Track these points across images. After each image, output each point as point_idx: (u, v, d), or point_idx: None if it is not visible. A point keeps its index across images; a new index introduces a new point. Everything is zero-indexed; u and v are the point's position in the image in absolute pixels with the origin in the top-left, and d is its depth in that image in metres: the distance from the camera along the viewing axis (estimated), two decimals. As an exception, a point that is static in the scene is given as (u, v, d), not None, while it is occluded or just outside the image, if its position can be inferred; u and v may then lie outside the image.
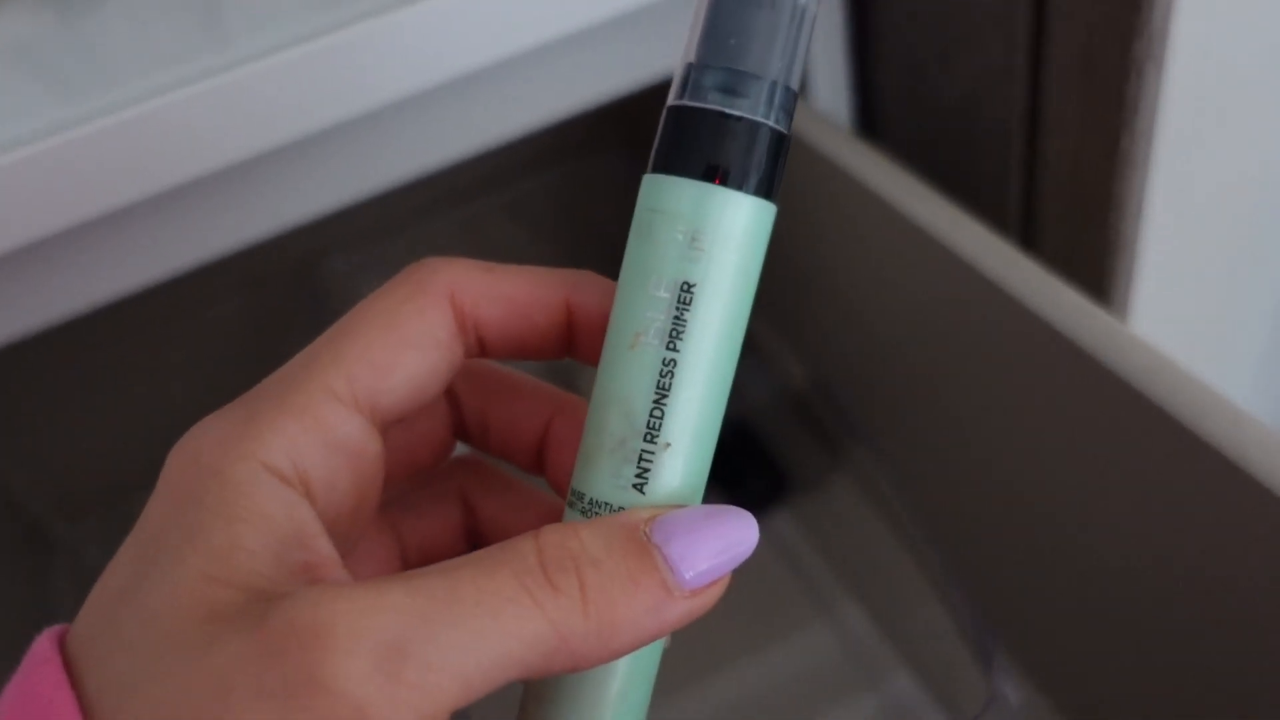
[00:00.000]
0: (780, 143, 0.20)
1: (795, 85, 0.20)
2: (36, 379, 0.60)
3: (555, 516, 0.22)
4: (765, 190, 0.20)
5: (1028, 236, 0.42)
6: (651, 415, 0.19)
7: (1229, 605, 0.33)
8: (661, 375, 0.19)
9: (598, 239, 0.67)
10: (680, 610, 0.18)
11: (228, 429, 0.19)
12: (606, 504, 0.19)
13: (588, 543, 0.18)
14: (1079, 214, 0.38)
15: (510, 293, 0.21)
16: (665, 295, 0.19)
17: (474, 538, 0.25)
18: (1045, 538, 0.40)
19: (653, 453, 0.19)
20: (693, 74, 0.20)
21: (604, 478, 0.20)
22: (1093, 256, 0.38)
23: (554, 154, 0.65)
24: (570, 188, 0.66)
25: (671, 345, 0.19)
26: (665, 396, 0.19)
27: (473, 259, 0.21)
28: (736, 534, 0.19)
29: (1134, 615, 0.37)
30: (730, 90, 0.20)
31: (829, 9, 0.46)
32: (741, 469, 0.55)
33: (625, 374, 0.19)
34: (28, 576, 0.61)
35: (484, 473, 0.25)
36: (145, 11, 0.37)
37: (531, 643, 0.17)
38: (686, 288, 0.19)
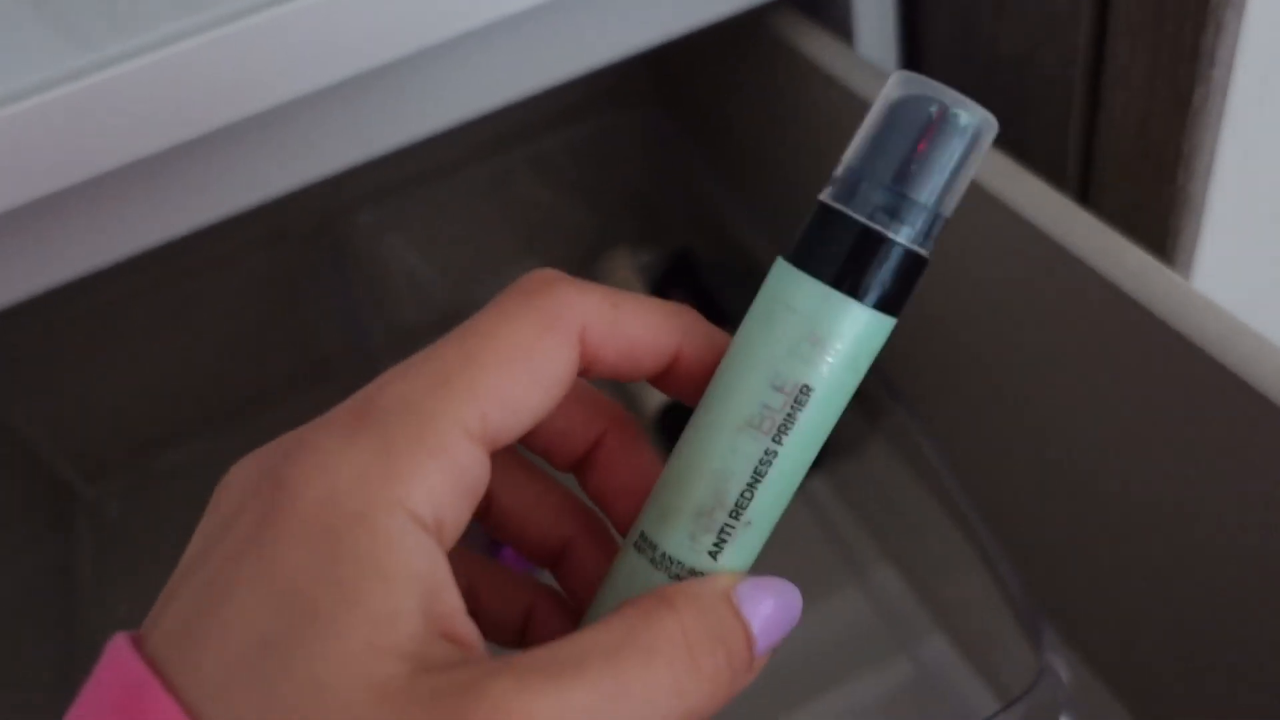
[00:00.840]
0: (921, 267, 0.20)
1: (949, 210, 0.20)
2: (58, 336, 0.59)
3: (569, 513, 0.24)
4: (895, 309, 0.20)
5: (1085, 193, 0.40)
6: (743, 495, 0.20)
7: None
8: (761, 463, 0.20)
9: (624, 195, 0.66)
10: (752, 676, 0.20)
11: (364, 464, 0.18)
12: (679, 561, 0.21)
13: (716, 621, 0.19)
14: (1144, 170, 0.36)
15: (633, 336, 0.21)
16: (783, 394, 0.20)
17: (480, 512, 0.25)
18: (1097, 507, 0.39)
19: (734, 528, 0.20)
20: (855, 180, 0.20)
21: (682, 538, 0.21)
22: (1157, 214, 0.36)
23: (581, 109, 0.64)
24: (597, 143, 0.65)
25: (778, 439, 0.20)
26: (759, 481, 0.20)
27: (601, 288, 0.21)
28: (794, 604, 0.21)
29: (1190, 592, 0.36)
30: (893, 212, 0.20)
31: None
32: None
33: (727, 453, 0.20)
34: (50, 533, 0.61)
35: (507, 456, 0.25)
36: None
37: None
38: (805, 390, 0.20)
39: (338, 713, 0.16)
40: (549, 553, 0.24)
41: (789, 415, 0.20)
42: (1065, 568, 0.43)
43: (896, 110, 0.20)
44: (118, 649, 0.18)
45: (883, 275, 0.20)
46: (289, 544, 0.18)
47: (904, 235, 0.20)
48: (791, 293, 0.20)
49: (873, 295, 0.20)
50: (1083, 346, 0.36)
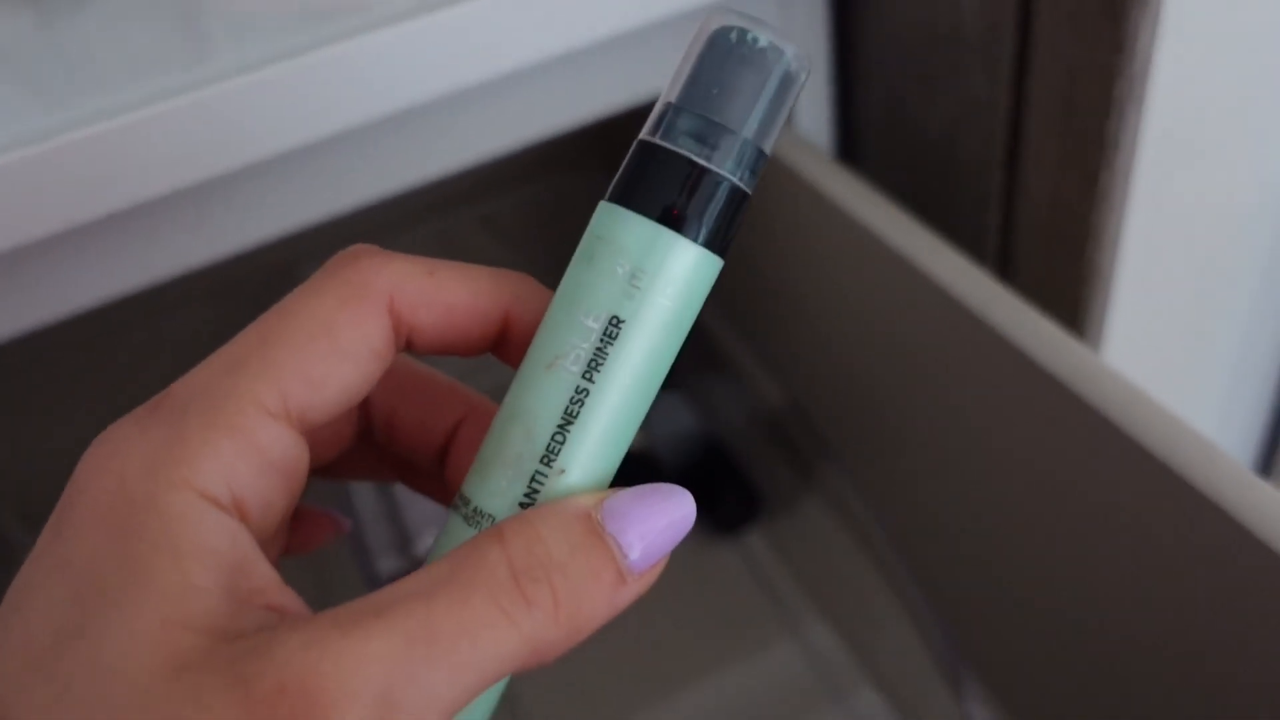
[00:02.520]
0: (741, 201, 0.20)
1: (768, 149, 0.20)
2: None
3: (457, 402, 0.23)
4: (717, 245, 0.20)
5: (1004, 267, 0.43)
6: (553, 439, 0.19)
7: (1197, 634, 0.34)
8: (572, 402, 0.19)
9: (570, 256, 0.67)
10: (632, 593, 0.19)
11: (153, 449, 0.18)
12: (490, 516, 0.20)
13: (551, 546, 0.18)
14: (1056, 247, 0.39)
15: (451, 300, 0.20)
16: (593, 325, 0.19)
17: (369, 418, 0.24)
18: (1014, 563, 0.41)
19: (546, 476, 0.19)
20: (670, 114, 0.20)
21: (492, 488, 0.20)
22: (1068, 288, 0.39)
23: (533, 170, 0.65)
24: (548, 205, 0.66)
25: (589, 375, 0.19)
26: (571, 424, 0.19)
27: (412, 255, 0.20)
28: (678, 512, 0.19)
29: (1103, 642, 0.38)
30: (702, 139, 0.20)
31: (813, 32, 0.46)
32: (716, 488, 0.55)
33: (537, 393, 0.19)
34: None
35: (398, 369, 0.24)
36: (124, 19, 0.37)
37: (509, 658, 0.17)
38: (615, 322, 0.19)
39: (129, 692, 0.16)
40: (440, 458, 0.23)
41: (599, 349, 0.19)
42: (989, 620, 0.45)
43: (708, 45, 0.20)
44: None
45: (695, 206, 0.19)
46: (81, 533, 0.17)
47: (714, 160, 0.19)
48: (605, 226, 0.20)
49: (688, 226, 0.19)
50: (998, 412, 0.38)
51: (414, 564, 0.51)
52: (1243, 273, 0.45)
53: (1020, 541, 0.40)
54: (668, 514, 0.19)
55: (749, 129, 0.20)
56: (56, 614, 0.17)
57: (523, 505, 0.19)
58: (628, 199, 0.20)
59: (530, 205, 0.66)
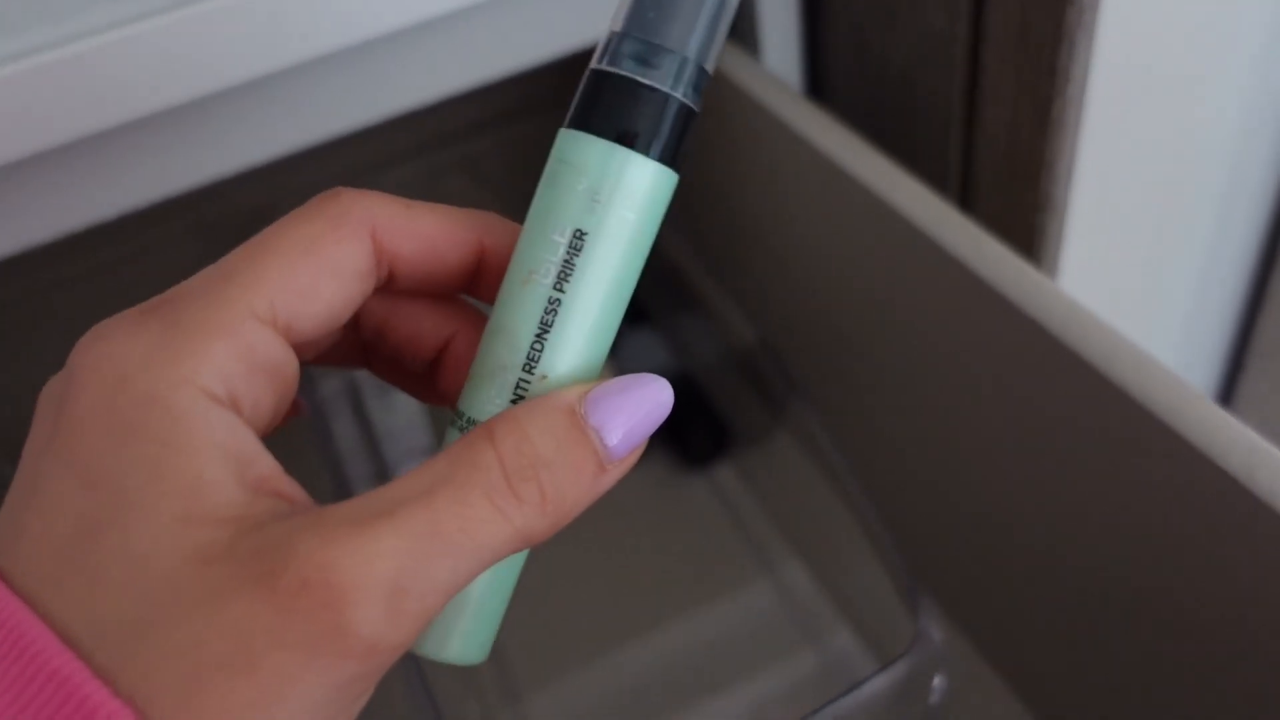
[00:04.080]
0: (687, 116, 0.21)
1: (709, 66, 0.22)
2: (-18, 322, 0.59)
3: (448, 314, 0.24)
4: (668, 158, 0.21)
5: (965, 197, 0.43)
6: (532, 348, 0.21)
7: (1153, 558, 0.34)
8: (546, 312, 0.21)
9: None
10: (611, 479, 0.20)
11: (151, 347, 0.19)
12: (481, 421, 0.21)
13: (539, 444, 0.19)
14: (1013, 176, 0.39)
15: (427, 231, 0.22)
16: (560, 240, 0.21)
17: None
18: (970, 487, 0.42)
19: (529, 382, 0.21)
20: (614, 41, 0.21)
21: (483, 400, 0.21)
22: (1026, 218, 0.40)
23: (514, 112, 0.65)
24: (529, 146, 0.66)
25: (559, 286, 0.21)
26: (547, 332, 0.21)
27: (389, 194, 0.22)
28: (656, 399, 0.21)
29: (1051, 562, 0.39)
30: (644, 61, 0.21)
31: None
32: (686, 423, 0.56)
33: (515, 307, 0.21)
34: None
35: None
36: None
37: (502, 548, 0.19)
38: (579, 235, 0.21)
39: (160, 582, 0.17)
40: (435, 369, 0.25)
41: (567, 260, 0.21)
42: (948, 545, 0.46)
43: None
44: None
45: (643, 123, 0.21)
46: (86, 430, 0.18)
47: (655, 79, 0.21)
48: (564, 150, 0.21)
49: (638, 143, 0.21)
50: (956, 338, 0.39)
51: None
52: (1201, 204, 0.46)
53: (979, 467, 0.41)
54: (646, 402, 0.21)
55: (688, 49, 0.21)
56: (74, 509, 0.18)
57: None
58: (582, 123, 0.21)
59: (511, 146, 0.66)
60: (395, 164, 0.64)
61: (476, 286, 0.23)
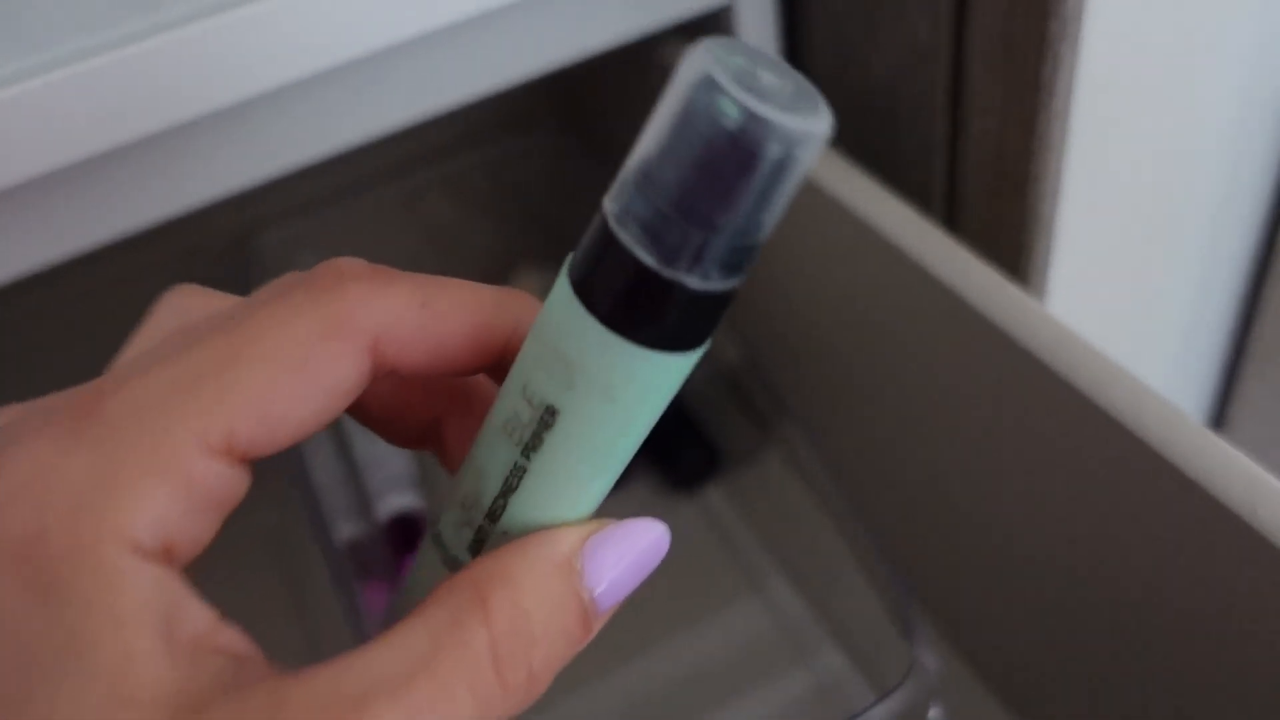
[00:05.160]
0: (710, 301, 0.16)
1: (757, 237, 0.16)
2: (-42, 354, 0.59)
3: (435, 393, 0.21)
4: (678, 346, 0.17)
5: (951, 214, 0.43)
6: (495, 502, 0.18)
7: (1145, 580, 0.34)
8: (512, 474, 0.18)
9: (533, 213, 0.67)
10: (590, 638, 0.19)
11: (79, 486, 0.16)
12: (448, 549, 0.19)
13: (534, 618, 0.17)
14: (1000, 193, 0.39)
15: (446, 333, 0.18)
16: (532, 407, 0.18)
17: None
18: (963, 511, 0.41)
19: (489, 532, 0.19)
20: (630, 192, 0.16)
21: (450, 526, 0.19)
22: (1013, 235, 0.39)
23: (491, 129, 0.65)
24: (507, 162, 0.66)
25: (526, 454, 0.18)
26: (511, 493, 0.18)
27: (401, 283, 0.18)
28: (654, 547, 0.19)
29: (1046, 586, 0.38)
30: (659, 232, 0.16)
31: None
32: (675, 445, 0.55)
33: (489, 450, 0.18)
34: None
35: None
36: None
37: None
38: (551, 413, 0.17)
39: None
40: (424, 433, 0.22)
41: (535, 433, 0.17)
42: (941, 569, 0.45)
43: (683, 105, 0.15)
44: None
45: (647, 308, 0.16)
46: (2, 591, 0.16)
47: (673, 268, 0.16)
48: (555, 304, 0.17)
49: (636, 331, 0.16)
50: (942, 361, 0.38)
51: (373, 529, 0.51)
52: (1192, 217, 0.45)
53: (965, 491, 0.40)
54: (643, 551, 0.19)
55: (720, 225, 0.15)
56: None
57: (469, 549, 0.19)
58: (577, 282, 0.17)
59: (490, 164, 0.66)
60: (375, 186, 0.64)
61: (498, 372, 0.19)
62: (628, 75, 0.54)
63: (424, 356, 0.18)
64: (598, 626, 0.19)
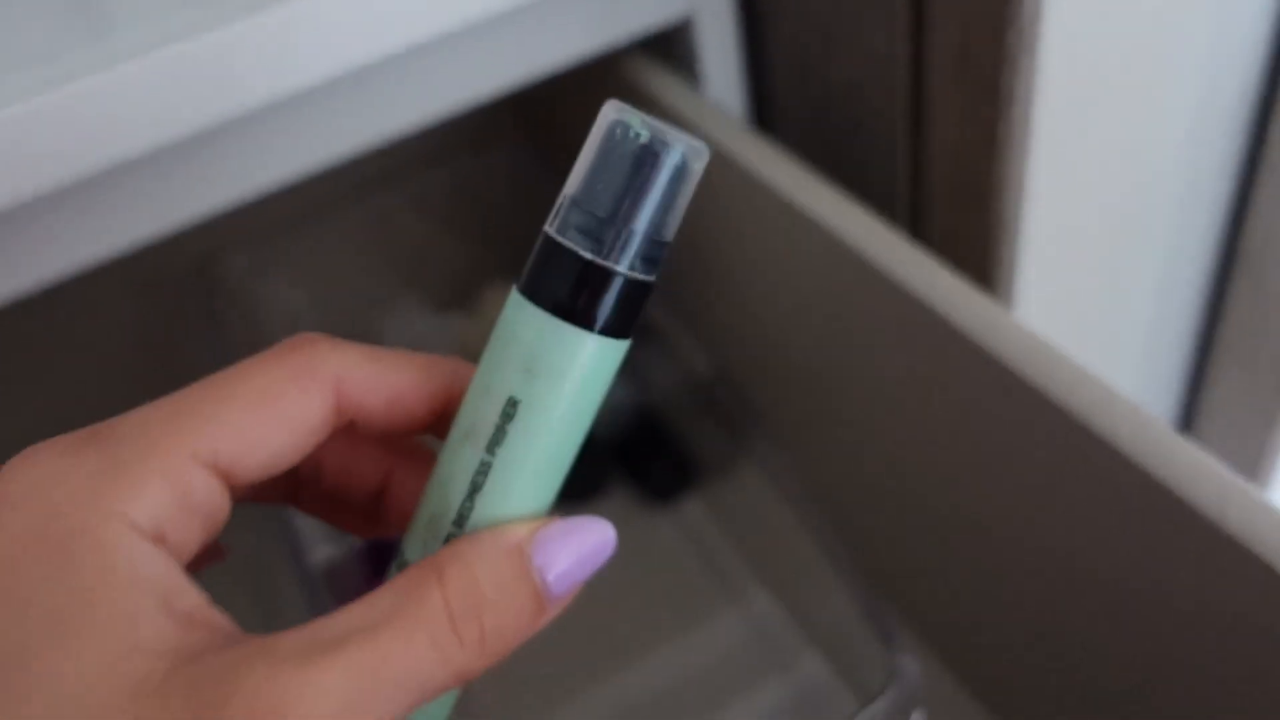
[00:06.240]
0: (635, 288, 0.21)
1: (667, 235, 0.21)
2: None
3: (383, 452, 0.24)
4: (612, 330, 0.21)
5: (916, 222, 0.43)
6: (463, 505, 0.21)
7: (1108, 578, 0.34)
8: (477, 474, 0.21)
9: (499, 230, 0.67)
10: (548, 618, 0.21)
11: (86, 480, 0.19)
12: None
13: (485, 586, 0.20)
14: (964, 202, 0.39)
15: (396, 385, 0.22)
16: (494, 405, 0.21)
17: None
18: (937, 516, 0.42)
19: (458, 536, 0.21)
20: (565, 207, 0.21)
21: (417, 546, 0.22)
22: (977, 242, 0.39)
23: (454, 147, 0.65)
24: (471, 180, 0.66)
25: (491, 449, 0.21)
26: (478, 492, 0.21)
27: (359, 345, 0.22)
28: (600, 540, 0.21)
29: (1022, 588, 0.39)
30: (590, 233, 0.21)
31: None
32: (649, 458, 0.55)
33: (452, 462, 0.21)
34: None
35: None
36: (21, 5, 0.36)
37: (438, 687, 0.19)
38: (512, 404, 0.21)
39: (95, 714, 0.17)
40: (370, 503, 0.25)
41: (500, 427, 0.21)
42: (917, 574, 0.46)
43: (602, 138, 0.21)
44: None
45: (586, 298, 0.21)
46: (17, 558, 0.18)
47: (600, 254, 0.21)
48: (509, 314, 0.21)
49: (580, 317, 0.21)
50: (909, 369, 0.39)
51: (348, 552, 0.51)
52: (1155, 227, 0.46)
53: (936, 496, 0.41)
54: (590, 544, 0.21)
55: (639, 222, 0.21)
56: (3, 636, 0.18)
57: None
58: (528, 290, 0.21)
59: (455, 182, 0.66)
60: (342, 206, 0.64)
61: (438, 428, 0.23)
62: (590, 91, 0.54)
63: (381, 401, 0.22)
64: (553, 610, 0.21)
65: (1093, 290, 0.46)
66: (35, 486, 0.19)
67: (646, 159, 0.20)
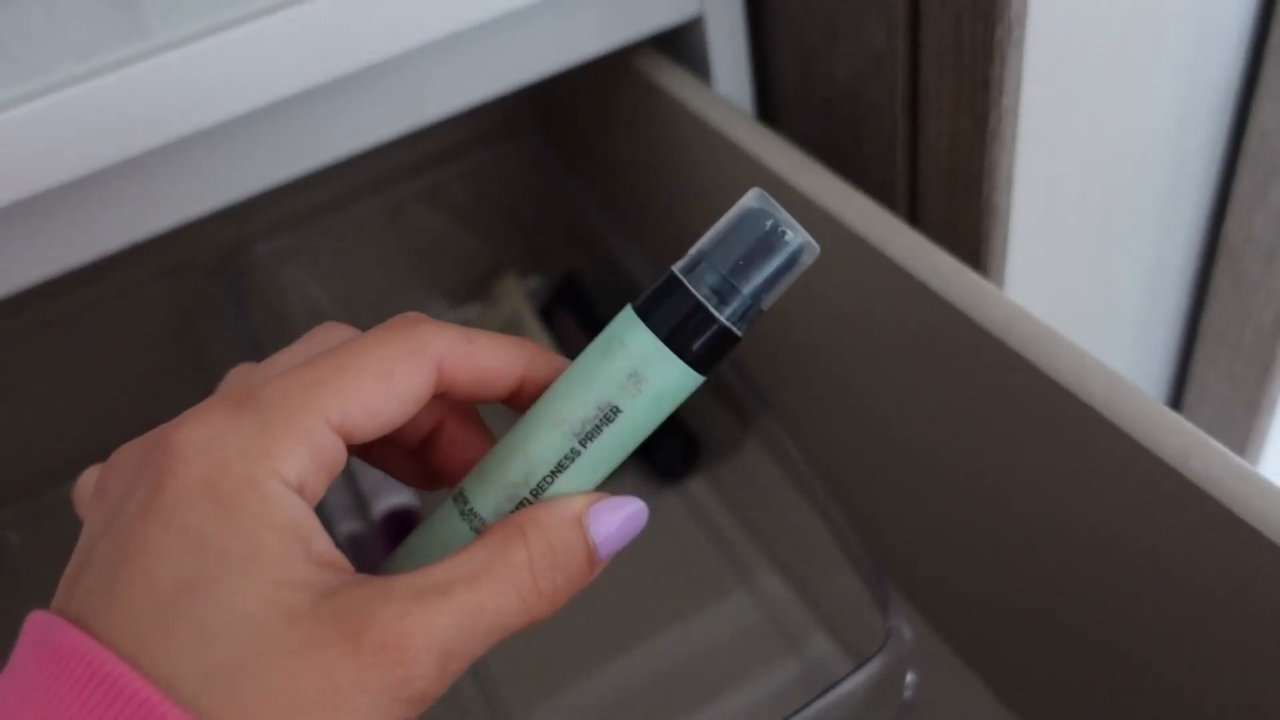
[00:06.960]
0: (730, 341, 0.25)
1: (765, 304, 0.25)
2: (-42, 369, 0.59)
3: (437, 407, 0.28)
4: (702, 368, 0.25)
5: (914, 207, 0.45)
6: (544, 481, 0.25)
7: (1100, 548, 0.35)
8: (565, 458, 0.25)
9: (512, 222, 0.69)
10: (596, 574, 0.25)
11: (248, 440, 0.22)
12: (481, 519, 0.25)
13: (558, 550, 0.24)
14: (957, 187, 0.41)
15: (485, 363, 0.26)
16: (597, 408, 0.25)
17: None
18: (934, 489, 0.43)
19: (531, 504, 0.25)
20: (701, 262, 0.25)
21: (491, 503, 0.25)
22: (971, 227, 0.41)
23: (471, 140, 0.66)
24: (487, 173, 0.67)
25: (584, 442, 0.25)
26: (560, 473, 0.25)
27: (457, 326, 0.26)
28: (638, 516, 0.26)
29: (1015, 558, 0.40)
30: (716, 290, 0.25)
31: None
32: (656, 437, 0.56)
33: (540, 442, 0.25)
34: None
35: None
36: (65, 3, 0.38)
37: (517, 628, 0.24)
38: (614, 409, 0.24)
39: (259, 636, 0.21)
40: (420, 451, 0.29)
41: (597, 426, 0.25)
42: (914, 544, 0.47)
43: (744, 217, 0.25)
44: (36, 617, 0.22)
45: (694, 336, 0.24)
46: (190, 503, 0.21)
47: (724, 314, 0.24)
48: (629, 335, 0.25)
49: (685, 350, 0.24)
50: (907, 346, 0.40)
51: (369, 526, 0.53)
52: (1142, 212, 0.48)
53: (939, 469, 0.42)
54: (631, 518, 0.25)
55: (753, 290, 0.25)
56: (180, 571, 0.21)
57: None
58: (647, 315, 0.25)
59: (471, 175, 0.67)
60: (362, 197, 0.65)
61: (512, 401, 0.27)
62: (603, 85, 0.56)
63: (470, 378, 0.26)
64: (598, 570, 0.25)
65: (1082, 276, 0.47)
66: (207, 441, 0.22)
67: (775, 242, 0.25)
